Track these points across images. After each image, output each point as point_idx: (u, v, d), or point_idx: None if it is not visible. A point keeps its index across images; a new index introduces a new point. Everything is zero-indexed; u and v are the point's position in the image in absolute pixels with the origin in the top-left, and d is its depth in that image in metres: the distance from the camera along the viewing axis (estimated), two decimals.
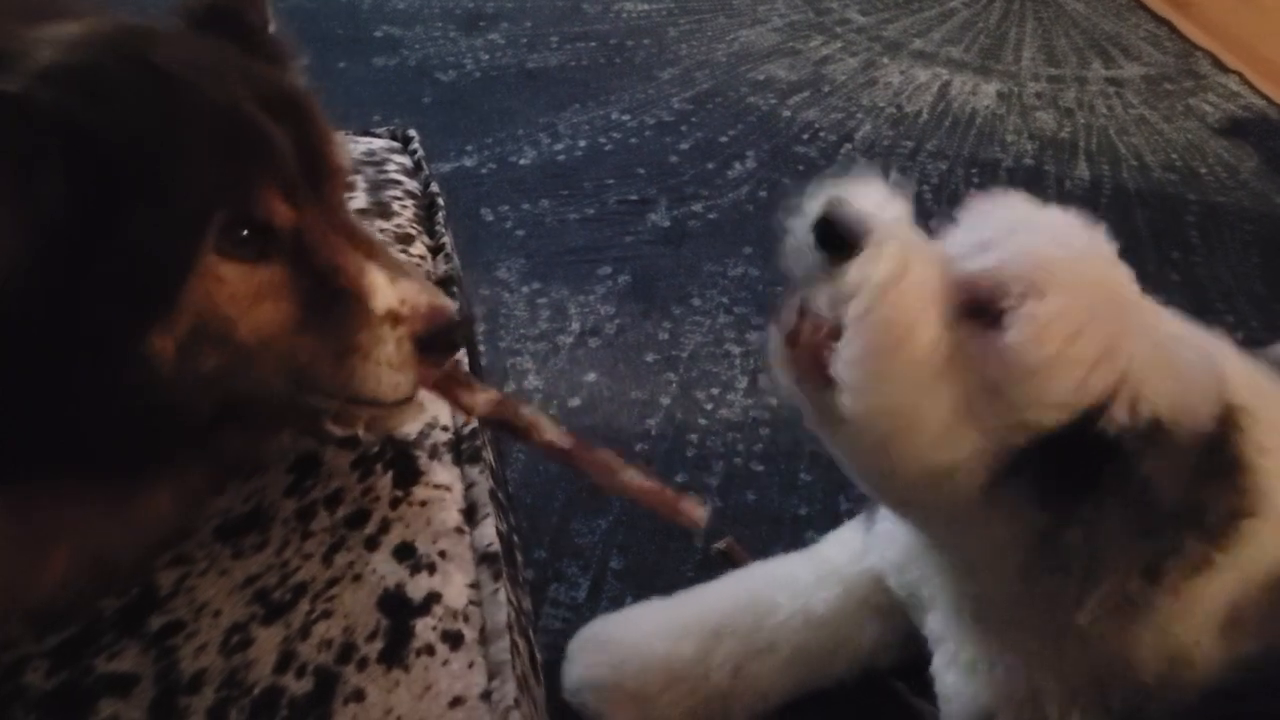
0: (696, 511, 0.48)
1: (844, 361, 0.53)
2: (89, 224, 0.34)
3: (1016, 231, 0.54)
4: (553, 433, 0.47)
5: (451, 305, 0.44)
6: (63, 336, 0.35)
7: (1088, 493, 0.50)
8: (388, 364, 0.41)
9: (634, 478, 0.48)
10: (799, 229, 0.56)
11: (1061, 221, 0.57)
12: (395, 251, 0.45)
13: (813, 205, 0.56)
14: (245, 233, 0.38)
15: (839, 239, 0.54)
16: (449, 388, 0.48)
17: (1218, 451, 0.51)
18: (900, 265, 0.53)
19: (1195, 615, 0.57)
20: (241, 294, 0.38)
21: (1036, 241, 0.53)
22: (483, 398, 0.48)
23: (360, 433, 0.49)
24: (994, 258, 0.54)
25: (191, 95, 0.37)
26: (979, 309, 0.53)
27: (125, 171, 0.35)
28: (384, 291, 0.41)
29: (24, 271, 0.33)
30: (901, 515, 0.66)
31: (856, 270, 0.53)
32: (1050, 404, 0.51)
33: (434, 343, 0.43)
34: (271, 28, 0.47)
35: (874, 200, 0.56)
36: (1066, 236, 0.55)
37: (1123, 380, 0.50)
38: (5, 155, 0.33)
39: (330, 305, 0.40)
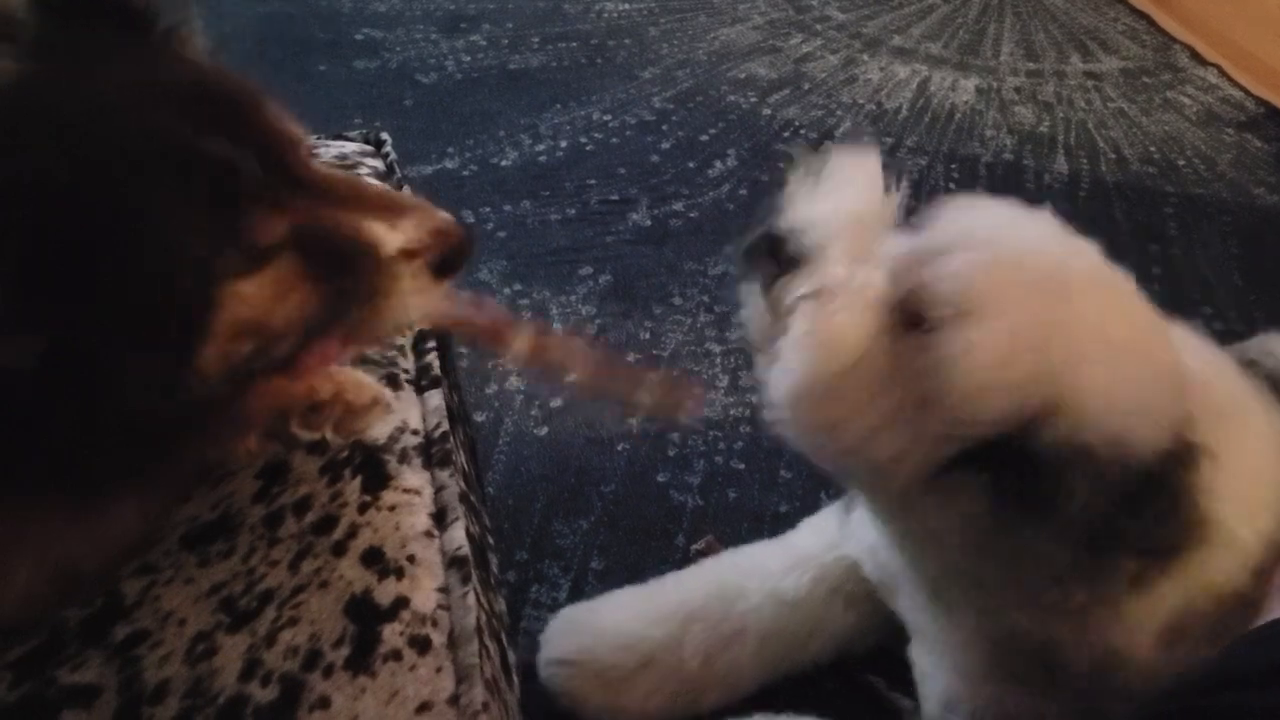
0: (695, 399, 0.54)
1: (775, 370, 0.57)
2: (61, 282, 0.34)
3: (966, 246, 0.53)
4: (579, 367, 0.55)
5: (450, 221, 0.47)
6: (61, 374, 0.35)
7: (1020, 497, 0.49)
8: (412, 295, 0.45)
9: (649, 378, 0.57)
10: (753, 238, 0.61)
11: (1024, 235, 0.55)
12: (368, 182, 0.49)
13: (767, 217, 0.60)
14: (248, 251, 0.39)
15: (781, 255, 0.58)
16: (496, 334, 0.55)
17: (1156, 486, 0.49)
18: (822, 288, 0.55)
19: (1128, 625, 0.55)
20: (265, 297, 0.40)
21: (980, 260, 0.51)
22: (519, 345, 0.54)
23: (328, 435, 0.50)
24: (932, 272, 0.53)
25: (151, 138, 0.37)
26: (918, 319, 0.53)
27: (107, 227, 0.35)
28: (389, 238, 0.44)
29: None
30: (855, 490, 0.66)
31: (781, 289, 0.56)
32: (976, 422, 0.50)
33: (447, 264, 0.46)
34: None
35: (828, 208, 0.59)
36: (1020, 253, 0.53)
37: (1052, 403, 0.49)
38: None
39: (346, 267, 0.43)
